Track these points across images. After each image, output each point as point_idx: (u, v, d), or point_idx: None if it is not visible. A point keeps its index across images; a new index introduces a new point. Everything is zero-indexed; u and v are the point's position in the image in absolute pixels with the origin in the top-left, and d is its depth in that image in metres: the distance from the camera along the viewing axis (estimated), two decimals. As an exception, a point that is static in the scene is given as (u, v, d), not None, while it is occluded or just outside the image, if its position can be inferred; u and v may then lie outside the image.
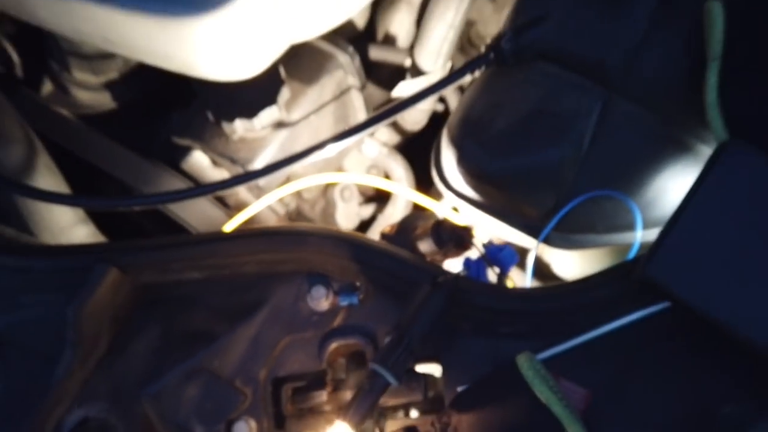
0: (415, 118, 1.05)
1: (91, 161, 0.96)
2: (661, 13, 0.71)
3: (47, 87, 1.03)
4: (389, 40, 1.11)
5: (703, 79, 0.64)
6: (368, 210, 1.11)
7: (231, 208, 0.96)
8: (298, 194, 1.02)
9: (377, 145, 1.04)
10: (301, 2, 0.78)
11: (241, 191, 0.96)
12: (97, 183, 0.99)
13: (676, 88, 0.68)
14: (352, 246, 0.66)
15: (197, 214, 0.93)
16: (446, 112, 1.12)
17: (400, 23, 1.12)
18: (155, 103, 1.02)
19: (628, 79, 0.70)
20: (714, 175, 0.58)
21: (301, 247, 0.68)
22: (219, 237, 0.74)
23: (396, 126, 1.09)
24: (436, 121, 1.09)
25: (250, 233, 0.72)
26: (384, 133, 1.08)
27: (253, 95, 0.85)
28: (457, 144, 0.72)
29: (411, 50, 0.91)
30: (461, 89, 1.06)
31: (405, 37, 1.12)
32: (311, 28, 0.82)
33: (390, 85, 1.06)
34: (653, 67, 0.70)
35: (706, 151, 0.68)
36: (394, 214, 1.05)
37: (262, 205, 0.89)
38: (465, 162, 0.72)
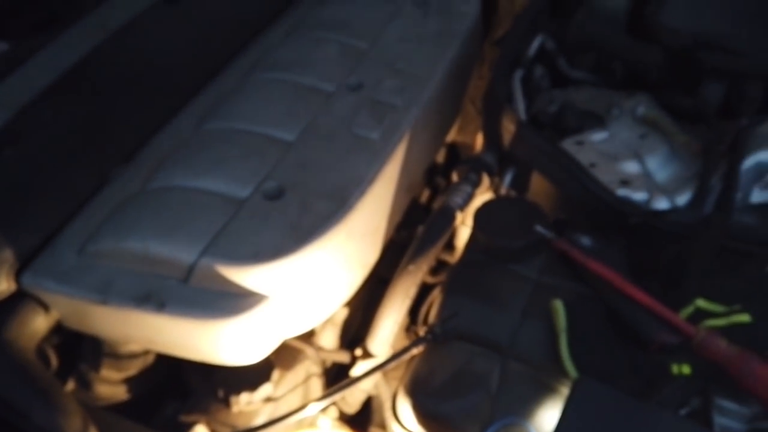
0: (357, 399, 1.38)
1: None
2: (528, 309, 1.15)
3: (70, 385, 1.30)
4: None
5: (558, 343, 1.06)
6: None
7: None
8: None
9: (329, 420, 1.36)
10: (291, 315, 1.16)
11: (230, 457, 1.23)
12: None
13: (544, 352, 1.10)
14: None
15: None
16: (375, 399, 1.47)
17: (326, 337, 1.52)
18: (157, 395, 1.31)
19: (513, 350, 1.11)
20: (573, 400, 0.96)
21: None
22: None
23: (337, 409, 1.42)
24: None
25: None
26: (332, 412, 1.40)
27: (254, 376, 1.18)
28: (411, 395, 1.08)
29: (363, 341, 1.29)
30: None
31: (329, 342, 1.50)
32: (297, 329, 1.20)
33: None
34: (528, 342, 1.12)
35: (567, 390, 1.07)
36: (346, 473, 1.34)
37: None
38: (417, 407, 1.07)
